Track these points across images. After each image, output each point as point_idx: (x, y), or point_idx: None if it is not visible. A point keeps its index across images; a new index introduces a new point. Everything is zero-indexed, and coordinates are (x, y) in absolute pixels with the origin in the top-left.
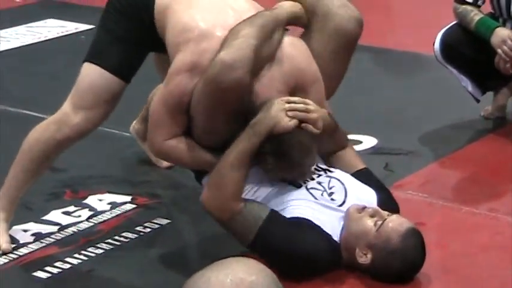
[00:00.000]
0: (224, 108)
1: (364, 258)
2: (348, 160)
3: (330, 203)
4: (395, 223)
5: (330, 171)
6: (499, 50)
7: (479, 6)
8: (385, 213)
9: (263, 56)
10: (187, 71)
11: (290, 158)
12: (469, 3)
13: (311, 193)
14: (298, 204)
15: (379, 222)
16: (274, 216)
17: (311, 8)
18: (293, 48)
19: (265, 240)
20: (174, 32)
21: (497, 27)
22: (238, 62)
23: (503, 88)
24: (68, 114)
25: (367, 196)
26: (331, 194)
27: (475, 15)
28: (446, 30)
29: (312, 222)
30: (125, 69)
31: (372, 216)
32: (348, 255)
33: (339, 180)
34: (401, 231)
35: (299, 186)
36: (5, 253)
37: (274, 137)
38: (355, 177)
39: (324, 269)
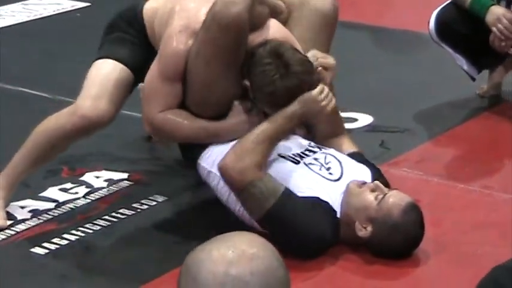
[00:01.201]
0: (224, 54)
1: (364, 231)
2: (341, 143)
3: (328, 176)
4: (397, 198)
5: (324, 148)
6: (494, 28)
7: None
8: (386, 188)
9: (255, 14)
10: (180, 33)
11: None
12: None
13: (311, 168)
14: (303, 182)
15: (380, 197)
16: (290, 192)
17: (289, 2)
18: (280, 28)
19: (280, 213)
20: (162, 18)
21: (492, 5)
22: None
23: (499, 66)
24: (77, 104)
25: (361, 172)
26: (328, 168)
27: None
28: (441, 9)
29: (321, 199)
30: (133, 62)
31: (372, 190)
32: (347, 229)
33: (333, 156)
34: (402, 206)
35: (297, 162)
36: (0, 229)
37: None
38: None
39: (330, 243)
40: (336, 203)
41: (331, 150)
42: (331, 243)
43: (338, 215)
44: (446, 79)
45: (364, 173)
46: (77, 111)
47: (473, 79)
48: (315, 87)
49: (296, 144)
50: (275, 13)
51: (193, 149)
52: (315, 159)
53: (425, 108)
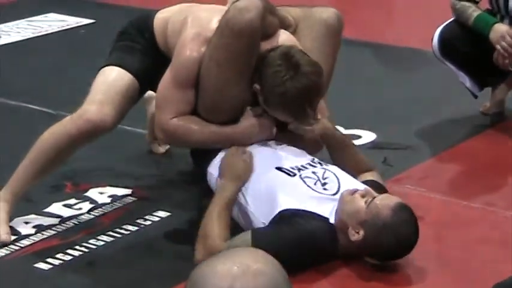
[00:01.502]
0: (236, 59)
1: (357, 236)
2: (363, 176)
3: (322, 191)
4: (385, 199)
5: (326, 165)
6: (498, 46)
7: (477, 3)
8: (376, 193)
9: (267, 24)
10: (193, 41)
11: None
12: (466, 0)
13: (304, 181)
14: (292, 195)
15: (369, 200)
16: (257, 231)
17: (295, 15)
18: (290, 37)
19: (261, 244)
20: (174, 27)
21: (496, 23)
22: (251, 6)
23: (501, 84)
24: (83, 108)
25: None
26: (324, 184)
27: (473, 12)
28: (444, 26)
29: (306, 211)
30: (140, 71)
31: (363, 196)
32: (343, 236)
33: (333, 173)
34: (390, 205)
35: (292, 175)
36: (4, 244)
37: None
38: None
39: (327, 251)
40: (327, 213)
41: (333, 167)
42: (325, 239)
43: (331, 221)
44: (448, 96)
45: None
46: (82, 116)
47: (475, 96)
48: (324, 92)
49: (298, 157)
50: (284, 26)
51: (204, 156)
52: (313, 173)
53: (428, 125)
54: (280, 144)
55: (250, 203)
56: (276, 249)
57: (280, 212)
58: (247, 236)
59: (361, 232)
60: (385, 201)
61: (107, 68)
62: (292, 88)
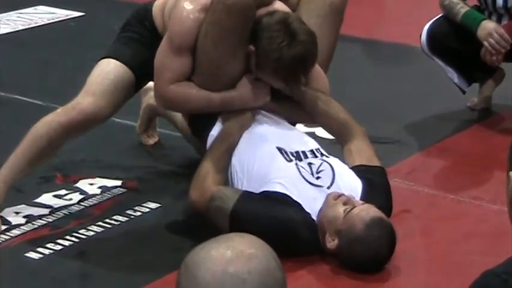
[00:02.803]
0: (230, 34)
1: (332, 243)
2: (352, 152)
3: (314, 181)
4: (363, 212)
5: (326, 156)
6: (486, 43)
7: (465, 0)
8: (359, 202)
9: None
10: (188, 6)
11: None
12: None
13: (299, 170)
14: (283, 178)
15: (348, 209)
16: (247, 195)
17: None
18: (285, 8)
19: (240, 221)
20: (170, 5)
21: (483, 19)
22: None
23: (489, 79)
24: (77, 99)
25: (351, 187)
26: (318, 178)
27: (461, 8)
28: (433, 22)
29: (290, 198)
30: (135, 63)
31: (344, 203)
32: (322, 240)
33: (330, 165)
34: (365, 219)
35: (289, 161)
36: None
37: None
38: (355, 171)
39: (306, 243)
40: (313, 207)
41: (332, 160)
42: (305, 233)
43: (314, 217)
44: (436, 91)
45: (354, 189)
46: (76, 107)
47: (464, 92)
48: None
49: (302, 141)
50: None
51: (204, 123)
52: (309, 163)
53: (416, 120)
54: (290, 126)
55: (240, 173)
56: (253, 223)
57: (266, 191)
58: (235, 195)
59: (336, 241)
60: (361, 214)
61: (104, 60)
62: (288, 55)
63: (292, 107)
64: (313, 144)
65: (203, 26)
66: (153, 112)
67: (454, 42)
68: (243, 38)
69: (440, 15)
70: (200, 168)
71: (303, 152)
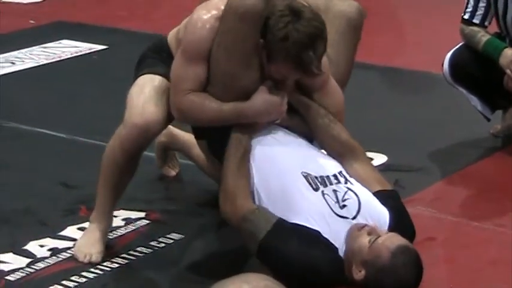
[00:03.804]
0: (243, 43)
1: (359, 274)
2: (368, 176)
3: (340, 212)
4: (388, 240)
5: (350, 183)
6: (508, 71)
7: (485, 27)
8: (383, 231)
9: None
10: (201, 17)
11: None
12: (475, 24)
13: (325, 199)
14: (312, 211)
15: (373, 239)
16: (283, 223)
17: (314, 4)
18: None
19: (272, 247)
20: (182, 27)
21: (505, 47)
22: None
23: None
24: (125, 118)
25: (379, 216)
26: (343, 206)
27: (483, 36)
28: (455, 51)
29: (320, 234)
30: (167, 72)
31: (369, 234)
32: (348, 271)
33: (355, 194)
34: (391, 248)
35: (315, 189)
36: (93, 264)
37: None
38: (377, 197)
39: (328, 282)
40: (339, 240)
41: (357, 187)
42: (330, 277)
43: (340, 253)
44: (459, 118)
45: (381, 218)
46: (127, 124)
47: (488, 119)
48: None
49: (325, 164)
50: None
51: (221, 142)
52: (334, 191)
53: (439, 147)
54: (310, 144)
55: (263, 197)
56: (281, 259)
57: (299, 224)
58: (268, 224)
59: (363, 271)
60: (387, 243)
61: (135, 82)
62: (295, 31)
63: (300, 123)
64: (336, 167)
65: (216, 36)
66: (166, 148)
67: (476, 70)
68: (256, 46)
69: (461, 43)
70: (225, 180)
71: (327, 177)
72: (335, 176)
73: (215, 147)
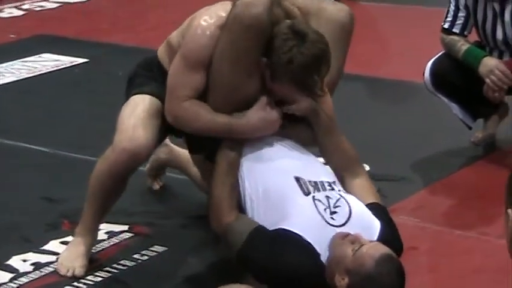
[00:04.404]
0: (247, 54)
1: (342, 282)
2: (362, 188)
3: (329, 220)
4: (372, 248)
5: (343, 192)
6: (487, 80)
7: (465, 36)
8: (366, 240)
9: (272, 17)
10: (201, 23)
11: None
12: (455, 34)
13: (315, 204)
14: (299, 216)
15: (357, 247)
16: (260, 231)
17: (305, 10)
18: None
19: (247, 255)
20: (176, 36)
21: (484, 56)
22: (258, 1)
23: (493, 115)
24: (115, 140)
25: (370, 227)
26: (333, 212)
27: (462, 45)
28: (435, 60)
29: (303, 238)
30: (160, 93)
31: (352, 242)
32: (330, 280)
33: (347, 202)
34: (375, 256)
35: (307, 194)
36: (76, 277)
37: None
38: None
39: (308, 287)
40: (322, 247)
41: (349, 197)
42: (310, 282)
43: (323, 259)
44: (440, 128)
45: (372, 229)
46: (116, 148)
47: (470, 127)
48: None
49: (320, 171)
50: (289, 17)
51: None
52: (326, 197)
53: (421, 156)
54: (306, 151)
55: (256, 202)
56: (258, 267)
57: (280, 229)
58: (247, 229)
59: (346, 279)
60: (371, 251)
61: (127, 102)
62: (300, 54)
63: (293, 133)
64: (331, 176)
65: (218, 46)
66: (164, 166)
67: (456, 78)
68: (258, 57)
69: (442, 52)
70: (211, 192)
71: (321, 183)
72: (329, 183)
73: (212, 158)
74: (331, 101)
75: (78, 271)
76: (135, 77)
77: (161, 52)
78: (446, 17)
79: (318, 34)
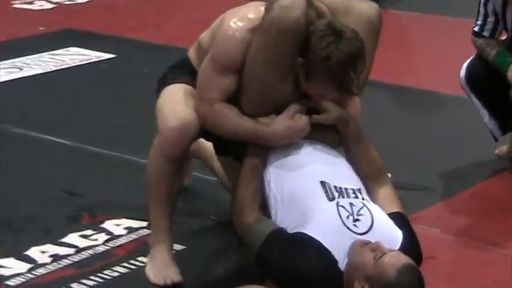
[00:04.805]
0: (284, 58)
1: None
2: (385, 196)
3: (351, 227)
4: (393, 258)
5: (367, 200)
6: None
7: (496, 39)
8: (388, 249)
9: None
10: (234, 23)
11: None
12: (486, 37)
13: (339, 210)
14: (320, 221)
15: (378, 256)
16: (279, 233)
17: (334, 8)
18: None
19: (265, 256)
20: (206, 37)
21: None
22: (296, 3)
23: None
24: (160, 128)
25: (391, 236)
26: (356, 220)
27: (491, 50)
28: (470, 62)
29: (321, 244)
30: (193, 84)
31: (373, 250)
32: (349, 286)
33: (370, 211)
34: (397, 265)
35: (331, 199)
36: (176, 285)
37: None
38: (392, 219)
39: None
40: (341, 253)
41: (372, 206)
42: (325, 285)
43: (340, 266)
44: (465, 139)
45: (394, 239)
46: (163, 131)
47: (496, 139)
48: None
49: (347, 177)
50: (319, 16)
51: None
52: (350, 204)
53: (444, 166)
54: (337, 154)
55: (281, 203)
56: (274, 269)
57: (299, 233)
58: (267, 230)
59: (366, 287)
60: (393, 260)
61: (162, 92)
62: (337, 51)
63: (318, 135)
64: (357, 183)
65: (252, 49)
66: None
67: (489, 82)
68: (294, 59)
69: (476, 53)
70: (236, 193)
71: (346, 189)
72: (353, 190)
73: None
74: (359, 103)
75: (177, 278)
76: (166, 75)
77: (192, 53)
78: (477, 20)
79: (354, 32)
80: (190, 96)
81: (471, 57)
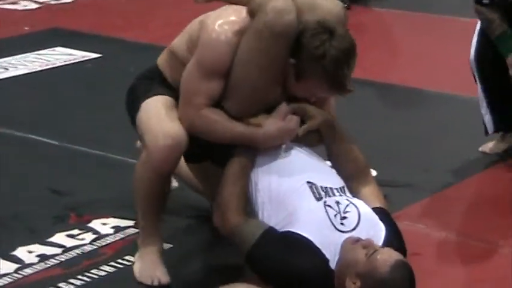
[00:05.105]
0: (277, 61)
1: (354, 286)
2: (369, 193)
3: (339, 226)
4: (386, 254)
5: (352, 198)
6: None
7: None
8: (379, 245)
9: None
10: (218, 32)
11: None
12: (485, 5)
13: (326, 210)
14: (309, 221)
15: (370, 252)
16: (271, 233)
17: (299, 5)
18: None
19: (258, 256)
20: (183, 41)
21: None
22: (289, 7)
23: None
24: (147, 145)
25: (376, 231)
26: (343, 218)
27: (496, 27)
28: (478, 48)
29: (312, 243)
30: (171, 95)
31: (364, 247)
32: (339, 285)
33: (356, 208)
34: (389, 262)
35: (319, 199)
36: (163, 285)
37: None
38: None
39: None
40: (332, 252)
41: (358, 201)
42: (317, 285)
43: (331, 264)
44: (449, 135)
45: (379, 233)
46: (152, 149)
47: (487, 134)
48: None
49: (330, 177)
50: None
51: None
52: (337, 202)
53: (428, 163)
54: (319, 157)
55: (268, 204)
56: (267, 269)
57: (289, 231)
58: (254, 236)
59: (358, 283)
60: (385, 257)
61: (143, 105)
62: (332, 49)
63: (316, 137)
64: (340, 182)
65: (242, 52)
66: None
67: (497, 71)
68: (286, 61)
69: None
70: (221, 192)
71: (331, 189)
72: (337, 189)
73: (220, 162)
74: (333, 98)
75: (164, 279)
76: (136, 89)
77: (161, 61)
78: None
79: (344, 29)
80: (173, 108)
81: (477, 38)
